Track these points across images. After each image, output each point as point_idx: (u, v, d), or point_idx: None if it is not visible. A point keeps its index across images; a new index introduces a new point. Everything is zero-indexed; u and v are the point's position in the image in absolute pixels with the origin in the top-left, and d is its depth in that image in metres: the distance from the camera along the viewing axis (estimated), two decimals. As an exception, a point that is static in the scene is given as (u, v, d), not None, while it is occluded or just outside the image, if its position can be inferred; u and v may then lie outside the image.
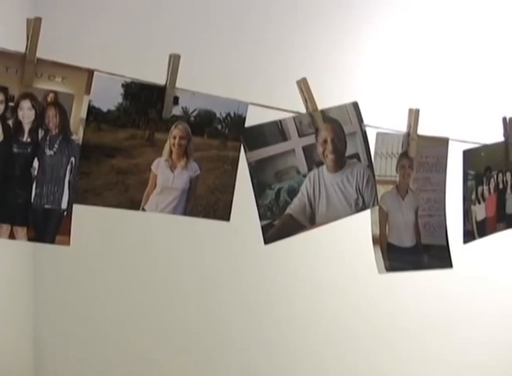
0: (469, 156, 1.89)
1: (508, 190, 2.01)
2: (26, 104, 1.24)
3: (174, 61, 1.37)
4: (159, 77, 1.37)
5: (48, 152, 1.27)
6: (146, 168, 1.37)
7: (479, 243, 1.97)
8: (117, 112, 1.33)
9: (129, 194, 1.35)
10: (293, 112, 1.54)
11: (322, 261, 2.66)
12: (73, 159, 1.29)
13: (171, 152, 1.39)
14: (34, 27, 1.21)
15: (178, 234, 2.48)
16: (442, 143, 1.84)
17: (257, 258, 2.51)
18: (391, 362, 2.76)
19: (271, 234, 1.50)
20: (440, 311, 2.78)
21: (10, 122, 1.24)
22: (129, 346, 2.60)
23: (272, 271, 2.63)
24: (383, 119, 1.70)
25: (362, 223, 1.75)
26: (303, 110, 1.55)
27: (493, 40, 2.72)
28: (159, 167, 1.38)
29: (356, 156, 1.64)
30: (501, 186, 1.99)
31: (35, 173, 1.27)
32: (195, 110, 1.41)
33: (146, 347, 2.61)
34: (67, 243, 1.31)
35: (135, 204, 1.36)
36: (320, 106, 1.56)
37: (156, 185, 1.38)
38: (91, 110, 1.30)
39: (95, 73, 1.29)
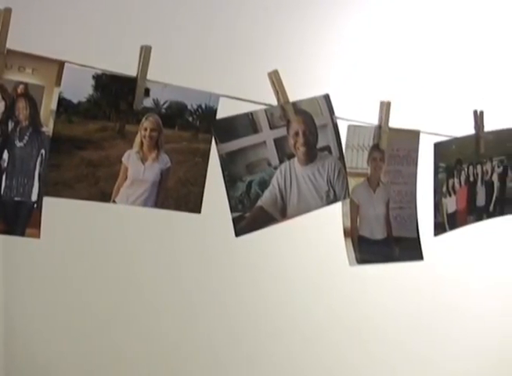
0: (440, 149, 1.93)
1: (479, 183, 2.06)
2: (-5, 96, 1.26)
3: (145, 53, 1.39)
4: (130, 69, 1.39)
5: (18, 144, 1.29)
6: (117, 160, 1.39)
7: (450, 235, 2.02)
8: (88, 104, 1.35)
9: (100, 186, 1.38)
10: (264, 104, 1.57)
11: (294, 253, 2.70)
12: (43, 151, 1.31)
13: (141, 144, 1.42)
14: (3, 18, 1.23)
15: (149, 227, 2.50)
16: (413, 136, 1.89)
17: (229, 251, 2.54)
18: (366, 360, 2.81)
19: (242, 226, 1.54)
20: (419, 308, 2.83)
21: (-21, 114, 1.26)
22: (101, 339, 2.62)
23: (243, 264, 2.66)
24: (354, 111, 1.74)
25: (334, 216, 1.79)
26: (274, 102, 1.58)
27: (464, 33, 2.77)
28: (130, 159, 1.41)
29: (327, 148, 1.68)
30: (472, 178, 2.04)
31: (5, 165, 1.29)
32: (166, 101, 1.44)
33: (117, 339, 2.62)
34: (37, 236, 1.33)
35: (105, 196, 1.39)
36: (291, 98, 1.60)
37: (127, 177, 1.40)
38: (62, 101, 1.32)
39: (66, 64, 1.31)
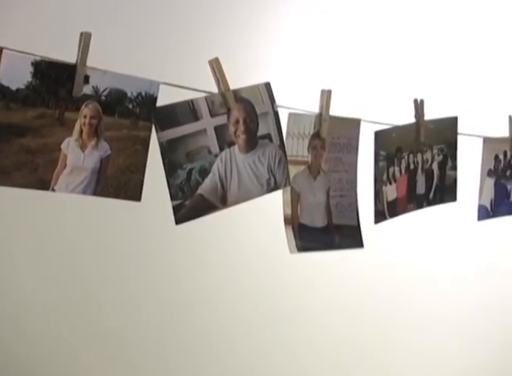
0: (380, 137, 2.01)
1: (419, 171, 2.14)
2: None
3: (84, 39, 1.43)
4: (69, 56, 1.43)
5: (-44, 131, 1.32)
6: (56, 147, 1.44)
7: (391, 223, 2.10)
8: (27, 91, 1.39)
9: (38, 174, 1.42)
10: (205, 92, 1.63)
11: (234, 242, 2.75)
12: (-19, 138, 1.35)
13: (81, 131, 1.46)
14: None
15: (89, 215, 2.52)
16: (354, 124, 1.96)
17: (168, 239, 2.58)
18: (307, 351, 2.88)
19: (182, 214, 1.60)
20: (362, 297, 2.92)
21: None
22: (43, 329, 2.62)
23: (183, 252, 2.70)
24: (295, 100, 1.81)
25: (274, 203, 1.85)
26: (215, 90, 1.64)
27: (403, 21, 2.86)
28: (69, 146, 1.45)
29: (268, 136, 1.75)
30: (412, 166, 2.12)
31: None
32: (106, 89, 1.49)
33: (58, 330, 2.64)
34: (-25, 223, 1.37)
35: (44, 184, 1.43)
36: (232, 86, 1.66)
37: (66, 165, 1.45)
38: (0, 88, 1.35)
39: (4, 51, 1.34)
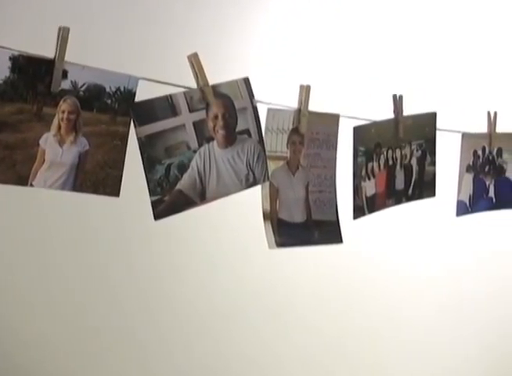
0: (359, 132, 2.03)
1: (398, 167, 2.16)
2: None
3: (63, 34, 1.44)
4: (47, 51, 1.44)
5: None
6: (34, 143, 1.45)
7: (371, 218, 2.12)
8: (4, 86, 1.40)
9: (16, 170, 1.42)
10: (183, 87, 1.64)
11: (213, 237, 2.76)
12: (-42, 133, 1.35)
13: (59, 127, 1.47)
14: None
15: (68, 209, 2.52)
16: (333, 120, 1.98)
17: (147, 234, 2.59)
18: (287, 347, 2.90)
19: (161, 210, 1.61)
20: (340, 294, 2.94)
21: None
22: (23, 329, 2.62)
23: (162, 247, 2.71)
24: (274, 95, 1.82)
25: (253, 199, 1.87)
26: (194, 85, 1.65)
27: (382, 15, 2.88)
28: (47, 142, 1.46)
29: (247, 131, 1.76)
30: (391, 162, 2.14)
31: None
32: (84, 84, 1.50)
33: (42, 329, 2.63)
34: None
35: (22, 179, 1.44)
36: (211, 81, 1.67)
37: (45, 160, 1.46)
38: (-23, 83, 1.36)
39: (-18, 46, 1.35)
